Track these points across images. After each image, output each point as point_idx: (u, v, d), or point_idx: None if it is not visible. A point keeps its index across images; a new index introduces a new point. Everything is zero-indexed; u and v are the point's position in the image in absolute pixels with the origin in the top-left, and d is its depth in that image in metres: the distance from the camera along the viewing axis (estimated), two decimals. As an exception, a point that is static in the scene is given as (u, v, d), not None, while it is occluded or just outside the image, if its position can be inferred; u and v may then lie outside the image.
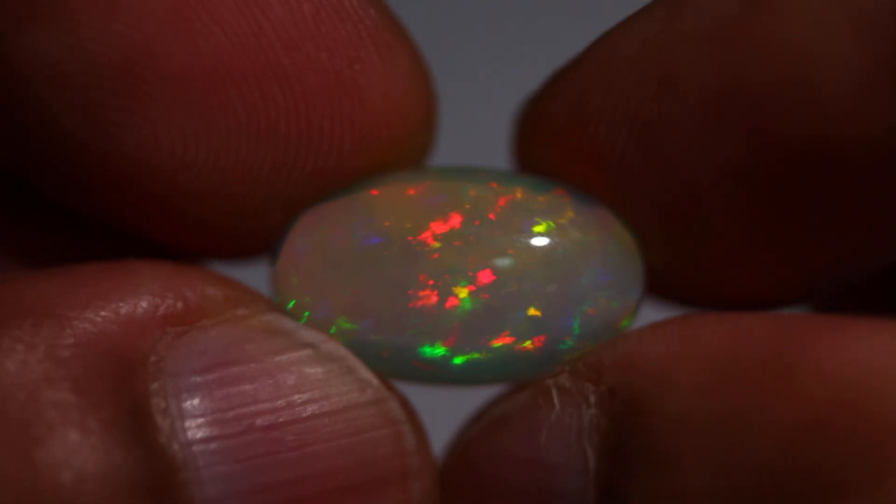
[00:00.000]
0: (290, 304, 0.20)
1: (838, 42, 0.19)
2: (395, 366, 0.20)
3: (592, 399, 0.20)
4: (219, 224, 0.21)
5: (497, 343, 0.20)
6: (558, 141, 0.22)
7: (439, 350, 0.20)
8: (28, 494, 0.18)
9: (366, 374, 0.20)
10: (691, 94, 0.20)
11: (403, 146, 0.21)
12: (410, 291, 0.20)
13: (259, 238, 0.21)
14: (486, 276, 0.20)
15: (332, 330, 0.20)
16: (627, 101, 0.21)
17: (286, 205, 0.21)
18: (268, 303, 0.20)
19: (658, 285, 0.22)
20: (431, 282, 0.20)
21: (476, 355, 0.20)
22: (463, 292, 0.20)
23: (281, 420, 0.19)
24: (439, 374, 0.21)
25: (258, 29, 0.20)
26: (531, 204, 0.21)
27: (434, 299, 0.20)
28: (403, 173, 0.21)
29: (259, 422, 0.19)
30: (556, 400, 0.20)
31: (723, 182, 0.20)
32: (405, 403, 0.20)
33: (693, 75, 0.20)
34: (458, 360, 0.20)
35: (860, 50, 0.19)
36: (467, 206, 0.20)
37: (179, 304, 0.19)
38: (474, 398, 0.22)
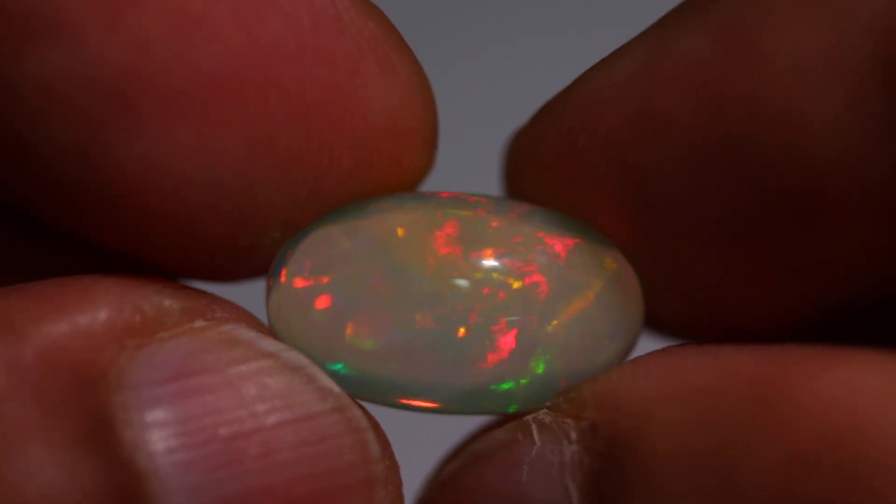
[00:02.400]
0: (292, 329, 0.20)
1: (820, 86, 0.19)
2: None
3: (574, 435, 0.20)
4: (217, 243, 0.20)
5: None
6: (547, 175, 0.22)
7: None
8: None
9: (327, 382, 0.20)
10: (673, 134, 0.20)
11: (404, 161, 0.21)
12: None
13: (256, 257, 0.21)
14: (506, 337, 0.20)
15: (338, 365, 0.20)
16: (613, 141, 0.21)
17: (285, 223, 0.21)
18: (232, 310, 0.20)
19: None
20: (437, 325, 0.20)
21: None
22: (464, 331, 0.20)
23: (244, 430, 0.19)
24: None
25: (257, 42, 0.19)
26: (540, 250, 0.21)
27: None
28: (410, 198, 0.21)
29: (222, 432, 0.19)
30: (535, 436, 0.20)
31: (705, 217, 0.20)
32: (367, 413, 0.20)
33: (675, 115, 0.20)
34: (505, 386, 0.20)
35: (843, 95, 0.19)
36: (481, 248, 0.20)
37: (137, 317, 0.19)
38: (451, 432, 0.22)
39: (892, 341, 0.19)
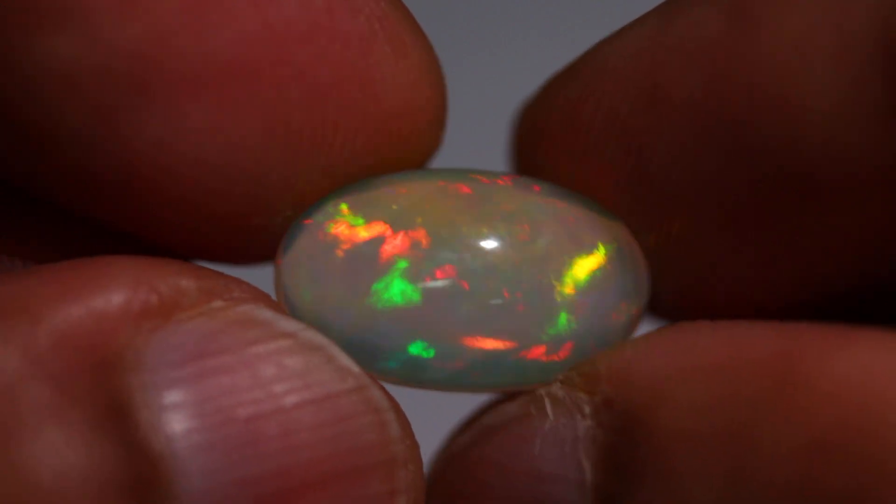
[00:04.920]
0: (306, 297, 0.20)
1: (822, 70, 0.19)
2: (415, 369, 0.20)
3: (587, 409, 0.20)
4: (229, 223, 0.20)
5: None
6: (553, 147, 0.22)
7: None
8: (9, 494, 0.18)
9: (346, 362, 0.20)
10: (676, 109, 0.20)
11: (414, 140, 0.21)
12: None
13: (267, 237, 0.21)
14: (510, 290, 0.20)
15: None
16: (617, 111, 0.21)
17: (296, 202, 0.21)
18: (249, 290, 0.20)
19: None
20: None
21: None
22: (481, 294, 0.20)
23: (262, 410, 0.19)
24: (456, 378, 0.21)
25: (270, 24, 0.19)
26: (540, 209, 0.21)
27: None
28: (418, 174, 0.21)
29: (240, 413, 0.19)
30: (549, 409, 0.20)
31: (704, 195, 0.20)
32: (387, 392, 0.20)
33: (679, 90, 0.20)
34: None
35: (844, 80, 0.19)
36: (488, 210, 0.20)
37: (153, 298, 0.19)
38: (459, 405, 0.22)
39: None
